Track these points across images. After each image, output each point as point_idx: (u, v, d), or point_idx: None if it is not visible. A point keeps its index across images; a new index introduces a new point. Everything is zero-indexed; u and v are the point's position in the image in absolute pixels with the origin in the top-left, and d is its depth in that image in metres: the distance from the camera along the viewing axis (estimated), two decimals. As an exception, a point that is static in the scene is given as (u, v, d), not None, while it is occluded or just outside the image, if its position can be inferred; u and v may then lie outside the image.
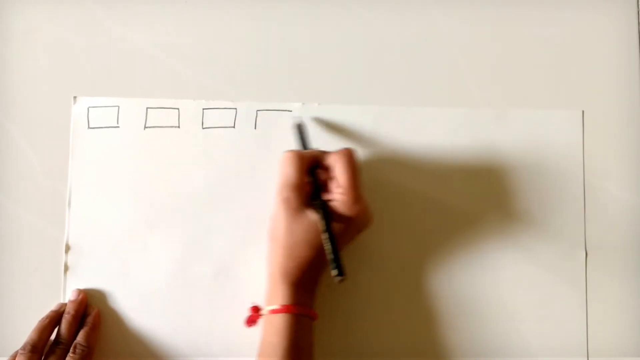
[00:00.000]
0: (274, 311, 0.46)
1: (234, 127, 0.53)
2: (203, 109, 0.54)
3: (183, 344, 0.51)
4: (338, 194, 0.47)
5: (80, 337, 0.49)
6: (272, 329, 0.46)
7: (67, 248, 0.52)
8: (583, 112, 0.54)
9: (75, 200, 0.52)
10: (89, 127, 0.53)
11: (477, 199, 0.53)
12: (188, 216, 0.52)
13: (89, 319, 0.50)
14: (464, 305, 0.52)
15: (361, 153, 0.53)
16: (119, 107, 0.53)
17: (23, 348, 0.47)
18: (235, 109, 0.54)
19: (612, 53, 0.55)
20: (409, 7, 0.55)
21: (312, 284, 0.48)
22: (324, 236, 0.45)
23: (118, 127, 0.53)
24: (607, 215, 0.53)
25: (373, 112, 0.54)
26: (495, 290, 0.52)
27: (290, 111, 0.54)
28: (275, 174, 0.49)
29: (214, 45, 0.55)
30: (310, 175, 0.48)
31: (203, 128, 0.53)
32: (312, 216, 0.46)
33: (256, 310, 0.49)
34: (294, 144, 0.51)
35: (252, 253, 0.52)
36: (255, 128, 0.53)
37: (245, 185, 0.53)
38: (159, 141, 0.53)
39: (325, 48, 0.55)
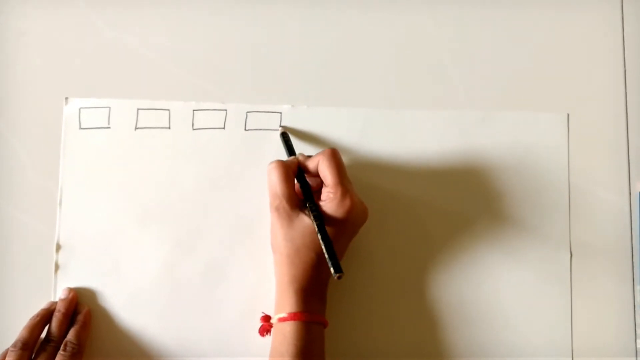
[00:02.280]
0: (282, 319, 0.46)
1: (224, 128, 0.54)
2: (193, 110, 0.54)
3: (172, 342, 0.52)
4: (326, 193, 0.48)
5: (70, 335, 0.49)
6: (281, 337, 0.46)
7: (58, 247, 0.52)
8: (568, 115, 0.55)
9: (66, 200, 0.53)
10: (80, 128, 0.54)
11: (462, 201, 0.54)
12: (178, 216, 0.53)
13: (80, 317, 0.51)
14: (447, 307, 0.53)
15: (348, 156, 0.53)
16: (110, 108, 0.54)
17: (14, 346, 0.48)
18: (225, 110, 0.54)
19: (597, 57, 0.56)
20: (396, 9, 0.56)
21: (320, 289, 0.48)
22: (318, 237, 0.45)
23: (109, 127, 0.54)
24: (591, 217, 0.54)
25: (361, 114, 0.54)
26: (480, 291, 0.53)
27: (280, 113, 0.54)
28: (265, 174, 0.49)
29: (204, 47, 0.55)
30: (299, 181, 0.49)
31: (193, 129, 0.54)
32: (307, 220, 0.47)
33: (266, 319, 0.49)
34: (282, 147, 0.52)
35: (241, 253, 0.53)
36: (245, 129, 0.54)
37: (234, 185, 0.53)
38: (149, 142, 0.54)
39: (314, 51, 0.55)
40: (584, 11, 0.56)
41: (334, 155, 0.48)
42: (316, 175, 0.49)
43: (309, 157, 0.50)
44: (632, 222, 0.54)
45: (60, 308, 0.50)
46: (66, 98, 0.54)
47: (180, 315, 0.52)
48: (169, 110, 0.54)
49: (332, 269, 0.43)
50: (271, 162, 0.48)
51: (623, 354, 0.53)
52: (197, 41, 0.55)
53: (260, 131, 0.54)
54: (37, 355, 0.48)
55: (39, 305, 0.51)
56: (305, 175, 0.50)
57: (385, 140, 0.54)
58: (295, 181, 0.49)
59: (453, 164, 0.54)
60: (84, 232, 0.52)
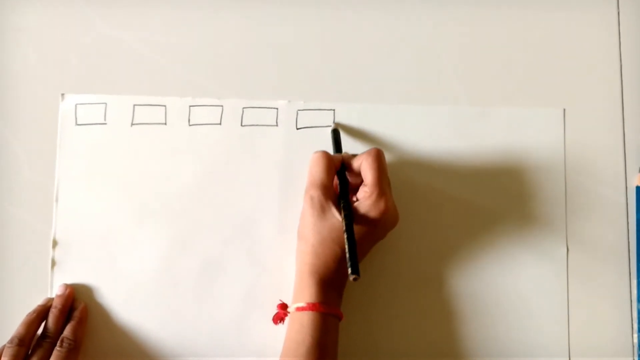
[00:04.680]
0: (300, 309, 0.46)
1: (220, 124, 0.54)
2: (190, 106, 0.54)
3: (169, 339, 0.52)
4: (363, 192, 0.48)
5: (67, 331, 0.49)
6: (298, 327, 0.46)
7: (55, 243, 0.52)
8: (564, 110, 0.55)
9: (62, 196, 0.53)
10: (76, 124, 0.54)
11: (456, 196, 0.54)
12: (175, 212, 0.53)
13: (76, 313, 0.51)
14: (443, 304, 0.53)
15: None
16: (106, 104, 0.54)
17: (10, 342, 0.48)
18: (222, 106, 0.54)
19: (593, 52, 0.56)
20: (393, 5, 0.56)
21: (339, 282, 0.48)
22: (344, 235, 0.45)
23: (105, 123, 0.54)
24: (588, 212, 0.54)
25: (357, 110, 0.54)
26: (475, 287, 0.53)
27: (276, 108, 0.54)
28: (262, 170, 0.50)
29: (200, 42, 0.55)
30: (339, 177, 0.49)
31: (190, 125, 0.54)
32: (338, 215, 0.46)
33: (283, 307, 0.49)
34: (276, 143, 0.52)
35: (238, 249, 0.53)
36: (241, 125, 0.54)
37: (231, 181, 0.53)
38: (145, 138, 0.54)
39: (310, 46, 0.55)
40: (579, 7, 0.56)
41: (378, 156, 0.48)
42: (359, 174, 0.49)
43: (354, 155, 0.49)
44: (629, 217, 0.54)
45: (56, 304, 0.50)
46: (62, 94, 0.54)
47: (177, 311, 0.52)
48: (165, 106, 0.54)
49: (349, 269, 0.43)
50: (316, 152, 0.48)
51: (620, 348, 0.53)
52: (194, 37, 0.55)
53: (257, 127, 0.54)
54: (33, 351, 0.48)
55: (35, 302, 0.51)
56: (347, 173, 0.49)
57: (380, 135, 0.54)
58: (335, 178, 0.49)
59: (449, 159, 0.54)
60: (81, 229, 0.52)
